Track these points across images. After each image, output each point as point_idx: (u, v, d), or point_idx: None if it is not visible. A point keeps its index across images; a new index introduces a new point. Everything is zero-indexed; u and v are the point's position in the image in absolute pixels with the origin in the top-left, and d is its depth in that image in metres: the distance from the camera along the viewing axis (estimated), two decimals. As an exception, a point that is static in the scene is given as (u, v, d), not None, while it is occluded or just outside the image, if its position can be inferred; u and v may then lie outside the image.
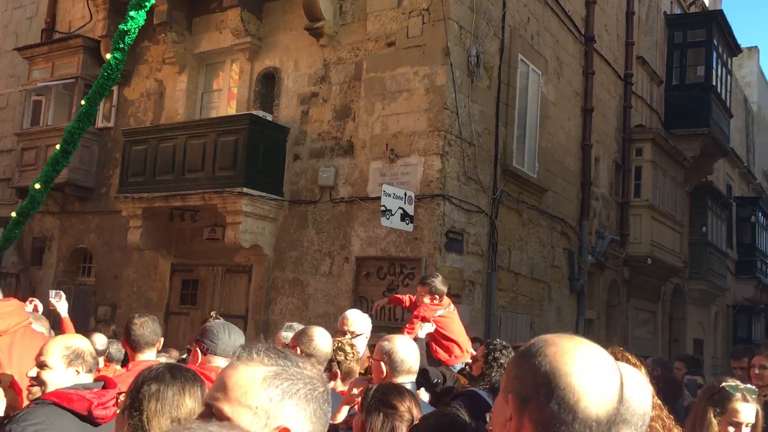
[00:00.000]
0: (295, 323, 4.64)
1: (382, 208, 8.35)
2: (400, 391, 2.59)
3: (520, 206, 10.75)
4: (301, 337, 3.62)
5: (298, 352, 3.54)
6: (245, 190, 9.50)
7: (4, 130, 13.63)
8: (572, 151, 12.73)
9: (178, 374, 1.98)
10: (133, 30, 8.64)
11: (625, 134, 14.84)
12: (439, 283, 5.62)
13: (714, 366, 19.39)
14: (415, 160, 9.10)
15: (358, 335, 4.67)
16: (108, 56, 8.75)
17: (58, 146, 9.48)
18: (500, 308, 10.20)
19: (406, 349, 3.35)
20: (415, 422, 2.43)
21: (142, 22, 8.75)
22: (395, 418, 2.47)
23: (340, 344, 3.87)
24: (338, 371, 3.77)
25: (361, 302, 9.12)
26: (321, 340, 3.59)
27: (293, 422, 1.29)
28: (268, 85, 10.74)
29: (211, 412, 1.30)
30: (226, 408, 1.28)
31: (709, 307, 20.25)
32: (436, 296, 5.58)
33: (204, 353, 3.15)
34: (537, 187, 11.20)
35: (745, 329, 23.04)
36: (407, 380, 3.21)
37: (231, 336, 3.20)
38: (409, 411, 2.49)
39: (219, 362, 3.06)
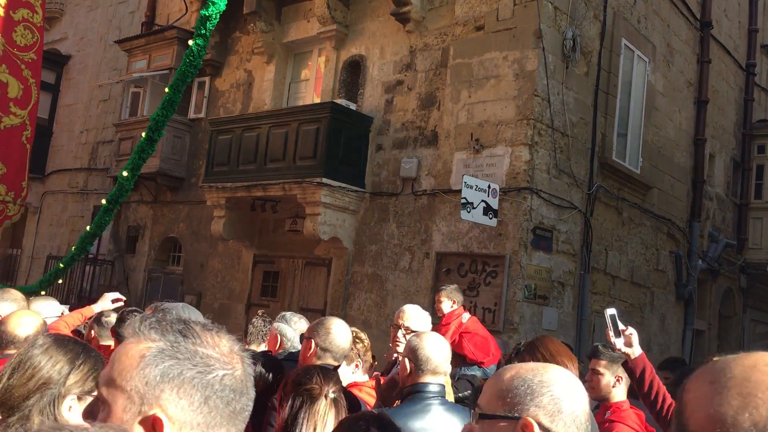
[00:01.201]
0: (288, 313, 4.26)
1: (463, 201, 7.82)
2: (312, 371, 2.54)
3: (619, 204, 9.90)
4: (317, 329, 3.25)
5: (313, 345, 3.15)
6: (325, 180, 9.22)
7: (107, 121, 14.05)
8: (683, 146, 11.67)
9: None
10: (214, 16, 8.56)
11: (745, 129, 13.51)
12: (455, 289, 6.01)
13: None
14: (501, 150, 8.50)
15: (413, 331, 4.23)
16: (190, 43, 8.71)
17: (143, 134, 9.59)
18: (594, 313, 9.41)
19: (433, 348, 2.99)
20: (330, 397, 2.46)
21: (223, 8, 8.66)
22: (305, 395, 2.45)
23: (356, 333, 3.59)
24: (359, 362, 3.43)
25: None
26: (339, 333, 3.23)
27: (172, 410, 1.10)
28: (353, 73, 10.43)
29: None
30: (104, 390, 1.15)
31: (841, 324, 18.27)
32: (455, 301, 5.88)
33: None
34: (640, 184, 10.29)
35: None
36: (433, 381, 2.87)
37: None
38: (320, 387, 2.46)
39: None
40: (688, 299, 11.53)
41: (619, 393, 3.47)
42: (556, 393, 1.37)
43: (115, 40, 13.62)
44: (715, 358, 0.98)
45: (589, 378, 3.58)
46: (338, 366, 3.21)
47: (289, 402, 2.53)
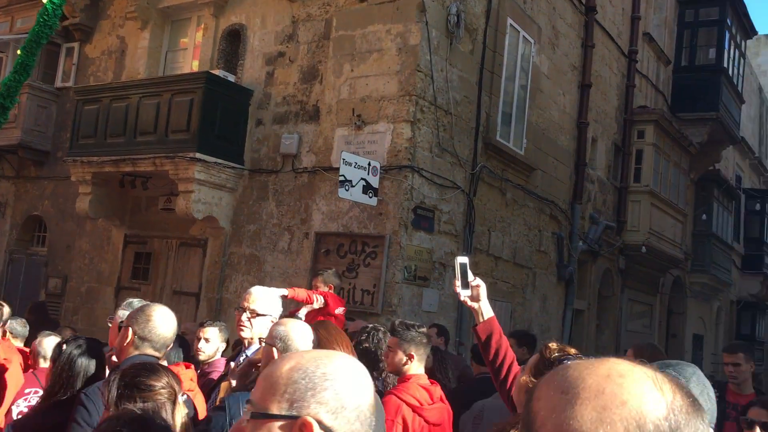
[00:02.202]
0: (135, 300, 3.84)
1: (341, 178, 7.51)
2: (151, 368, 2.23)
3: (503, 184, 9.87)
4: (136, 316, 2.91)
5: (130, 334, 2.82)
6: (198, 155, 8.67)
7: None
8: (566, 129, 11.81)
9: None
10: (72, -28, 7.79)
11: (626, 115, 13.87)
12: (332, 274, 6.16)
13: (714, 364, 18.48)
14: (383, 127, 8.23)
15: (259, 315, 3.87)
16: (45, 0, 7.93)
17: (-7, 101, 8.71)
18: (476, 294, 9.34)
19: (300, 336, 2.92)
20: (180, 395, 2.17)
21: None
22: (155, 399, 2.11)
23: None
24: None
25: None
26: (161, 321, 2.90)
27: None
28: (233, 43, 9.88)
29: None
30: None
31: (711, 302, 19.33)
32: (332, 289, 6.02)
33: None
34: (524, 165, 10.30)
35: (748, 326, 22.08)
36: None
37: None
38: (170, 386, 2.15)
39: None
40: (568, 280, 11.73)
41: (413, 368, 3.64)
42: (340, 386, 1.22)
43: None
44: (567, 363, 0.92)
45: (384, 354, 3.86)
46: (159, 357, 2.87)
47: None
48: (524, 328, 10.59)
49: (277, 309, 3.99)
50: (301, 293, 5.89)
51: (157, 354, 2.84)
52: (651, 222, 13.74)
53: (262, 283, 8.65)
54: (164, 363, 3.21)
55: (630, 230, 13.71)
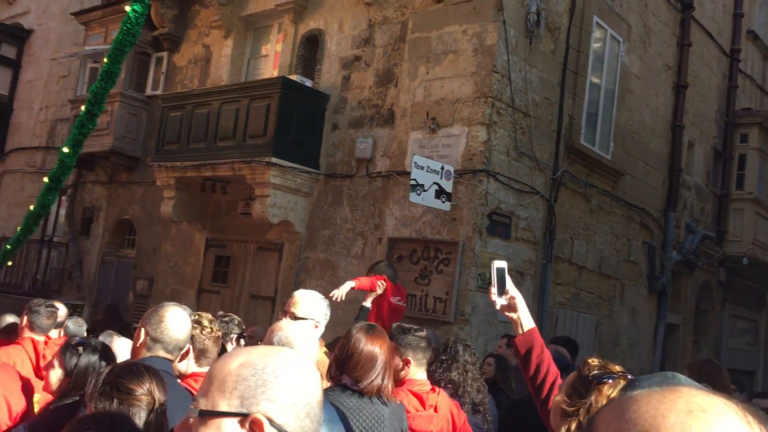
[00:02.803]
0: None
1: (413, 182, 7.32)
2: (136, 371, 2.15)
3: (587, 190, 9.41)
4: (150, 317, 2.81)
5: (143, 335, 2.74)
6: (274, 160, 8.71)
7: (66, 98, 13.50)
8: (659, 132, 11.17)
9: None
10: (154, -19, 7.99)
11: (728, 117, 13.02)
12: (386, 267, 6.25)
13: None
14: (457, 130, 8.00)
15: (301, 319, 3.75)
16: (127, 9, 8.17)
17: (83, 107, 9.05)
18: (557, 305, 8.95)
19: (304, 339, 2.67)
20: (159, 405, 2.09)
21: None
22: (132, 404, 2.05)
23: (198, 317, 3.19)
24: (190, 348, 2.99)
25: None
26: (174, 322, 2.79)
27: None
28: (311, 49, 9.90)
29: None
30: None
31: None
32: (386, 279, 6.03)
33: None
34: (611, 170, 9.80)
35: None
36: None
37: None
38: (150, 394, 2.08)
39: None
40: (661, 292, 11.07)
41: (410, 373, 3.47)
42: (290, 383, 1.20)
43: (72, 12, 13.05)
44: (634, 393, 0.83)
45: None
46: (172, 360, 2.79)
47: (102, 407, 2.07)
48: (611, 342, 10.06)
49: (320, 313, 3.84)
50: (365, 282, 6.00)
51: (169, 356, 2.76)
52: (755, 232, 12.82)
53: (335, 289, 8.60)
54: (186, 365, 3.14)
55: (732, 241, 12.83)
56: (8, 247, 10.91)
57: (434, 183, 7.50)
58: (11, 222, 14.08)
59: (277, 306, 9.34)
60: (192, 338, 3.02)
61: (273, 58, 10.57)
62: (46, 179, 9.80)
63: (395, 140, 8.57)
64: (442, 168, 7.59)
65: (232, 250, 10.12)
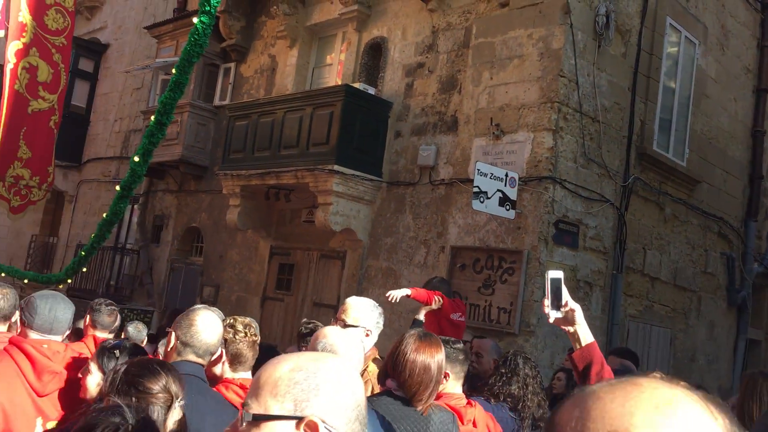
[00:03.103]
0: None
1: (476, 190, 7.16)
2: (153, 369, 2.13)
3: (661, 198, 9.03)
4: (180, 321, 2.78)
5: (173, 339, 2.72)
6: (337, 167, 8.69)
7: (139, 110, 13.90)
8: (738, 138, 10.64)
9: None
10: (219, -9, 8.12)
11: (814, 122, 12.30)
12: (439, 282, 6.11)
13: None
14: (522, 136, 7.79)
15: (351, 326, 3.66)
16: (195, 20, 8.31)
17: (153, 117, 9.25)
18: (629, 317, 8.59)
19: (349, 346, 2.62)
20: (178, 401, 2.08)
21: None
22: (149, 402, 2.03)
23: (233, 321, 3.13)
24: (223, 352, 2.98)
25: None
26: (204, 326, 2.74)
27: None
28: (374, 56, 9.87)
29: None
30: None
31: None
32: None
33: (23, 325, 3.14)
34: (686, 178, 9.38)
35: None
36: None
37: (51, 311, 3.09)
38: (166, 390, 2.07)
39: (33, 335, 3.04)
40: (741, 306, 10.51)
41: (448, 387, 3.33)
42: (341, 387, 1.23)
43: (145, 26, 13.44)
44: (593, 387, 0.82)
45: None
46: (203, 364, 2.75)
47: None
48: (687, 357, 9.61)
49: (371, 321, 3.75)
50: (422, 293, 5.80)
51: (200, 361, 2.71)
52: None
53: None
54: (220, 369, 3.08)
55: (818, 252, 12.08)
56: (83, 253, 11.28)
57: (498, 190, 7.31)
58: (87, 230, 14.56)
59: (339, 314, 9.31)
60: (225, 342, 2.98)
61: (337, 67, 10.59)
62: (118, 187, 10.08)
63: (458, 147, 8.43)
64: (506, 175, 7.40)
65: (295, 258, 10.15)
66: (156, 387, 2.04)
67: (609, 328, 8.23)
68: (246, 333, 3.07)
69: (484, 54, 8.34)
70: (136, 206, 13.26)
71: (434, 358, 2.87)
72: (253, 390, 1.25)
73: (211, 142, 11.98)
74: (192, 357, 2.69)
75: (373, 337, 3.92)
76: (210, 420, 2.51)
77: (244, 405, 1.25)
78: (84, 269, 12.29)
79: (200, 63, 12.01)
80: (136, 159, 9.55)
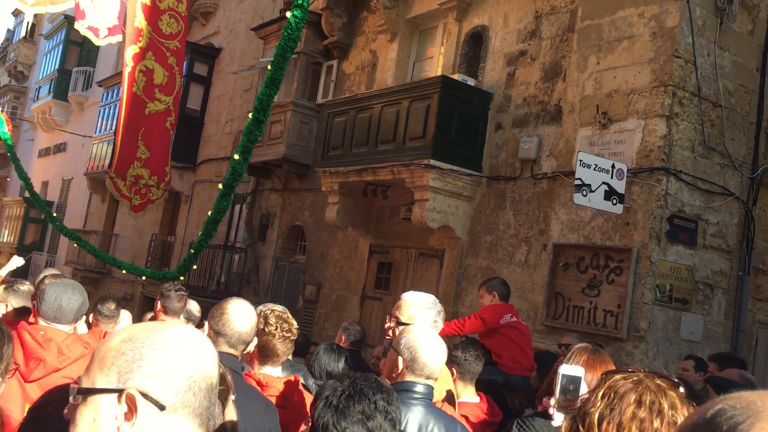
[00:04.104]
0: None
1: (577, 182, 6.61)
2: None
3: (796, 192, 8.05)
4: (214, 311, 2.68)
5: (206, 329, 2.64)
6: (433, 162, 8.36)
7: (248, 110, 14.15)
8: None
9: None
10: (313, -15, 7.98)
11: None
12: (499, 284, 5.64)
13: None
14: (632, 124, 7.15)
15: (401, 323, 3.34)
16: (288, 15, 8.24)
17: (250, 115, 9.29)
18: (758, 324, 7.72)
19: (432, 351, 2.71)
20: (231, 395, 1.91)
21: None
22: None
23: (268, 311, 2.99)
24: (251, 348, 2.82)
25: (555, 299, 7.47)
26: (236, 315, 2.65)
27: None
28: (475, 46, 9.46)
29: None
30: None
31: None
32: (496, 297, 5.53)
33: (34, 312, 3.14)
34: (827, 169, 8.32)
35: None
36: (422, 382, 2.68)
37: (56, 300, 3.04)
38: (224, 382, 1.84)
39: (41, 322, 3.02)
40: None
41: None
42: (169, 356, 1.17)
43: (251, 27, 13.67)
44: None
45: None
46: (236, 355, 2.63)
47: None
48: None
49: (427, 318, 3.39)
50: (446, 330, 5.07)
51: (232, 351, 2.59)
52: None
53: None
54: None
55: None
56: (192, 251, 11.57)
57: (603, 183, 6.72)
58: (201, 229, 15.01)
59: (437, 315, 8.97)
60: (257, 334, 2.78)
61: (438, 60, 10.26)
62: (220, 186, 10.23)
63: (562, 138, 7.88)
64: (613, 166, 6.79)
65: (394, 256, 9.90)
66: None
67: (734, 335, 7.41)
68: (277, 326, 2.84)
69: (591, 37, 7.74)
70: (243, 205, 13.49)
71: (594, 376, 2.51)
72: (88, 364, 1.20)
73: (313, 141, 11.96)
74: (225, 347, 2.59)
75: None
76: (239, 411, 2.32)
77: (74, 381, 1.20)
78: (195, 266, 12.66)
79: (303, 61, 12.07)
80: (237, 157, 9.62)
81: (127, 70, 12.40)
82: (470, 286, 8.66)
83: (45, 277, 4.35)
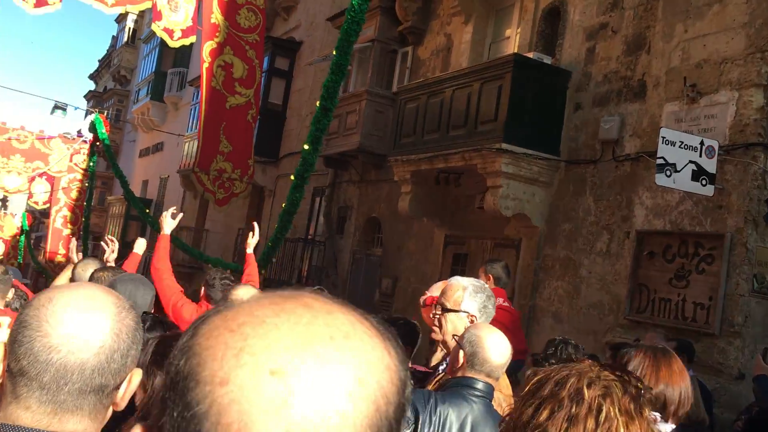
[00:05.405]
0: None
1: (660, 161, 6.00)
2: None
3: None
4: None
5: None
6: (505, 146, 7.88)
7: (326, 102, 14.01)
8: None
9: None
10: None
11: None
12: (500, 268, 5.37)
13: None
14: (724, 96, 6.43)
15: (451, 311, 3.00)
16: (350, -3, 7.97)
17: (317, 104, 9.09)
18: None
19: (495, 348, 2.64)
20: None
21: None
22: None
23: None
24: None
25: (640, 291, 6.85)
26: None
27: None
28: (552, 23, 8.88)
29: None
30: None
31: None
32: (491, 280, 5.13)
33: None
34: None
35: None
36: (484, 379, 2.63)
37: (131, 296, 3.00)
38: None
39: None
40: None
41: None
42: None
43: (327, 18, 13.51)
44: None
45: None
46: None
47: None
48: None
49: (474, 305, 3.02)
50: None
51: None
52: None
53: (577, 291, 7.51)
54: None
55: None
56: (269, 244, 11.54)
57: (690, 162, 6.07)
58: (282, 222, 15.04)
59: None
60: None
61: (514, 39, 9.73)
62: (292, 177, 10.11)
63: (646, 116, 7.21)
64: (702, 143, 6.12)
65: (469, 247, 9.47)
66: None
67: None
68: None
69: (678, 3, 7.04)
70: (322, 198, 13.38)
71: (680, 386, 2.21)
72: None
73: (389, 130, 11.65)
74: None
75: (481, 324, 3.23)
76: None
77: None
78: (273, 259, 12.66)
79: (378, 49, 11.80)
80: (306, 147, 9.48)
81: (204, 66, 12.52)
82: (548, 277, 8.12)
83: (94, 271, 4.13)
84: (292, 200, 10.29)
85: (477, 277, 4.37)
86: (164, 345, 2.12)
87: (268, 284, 13.25)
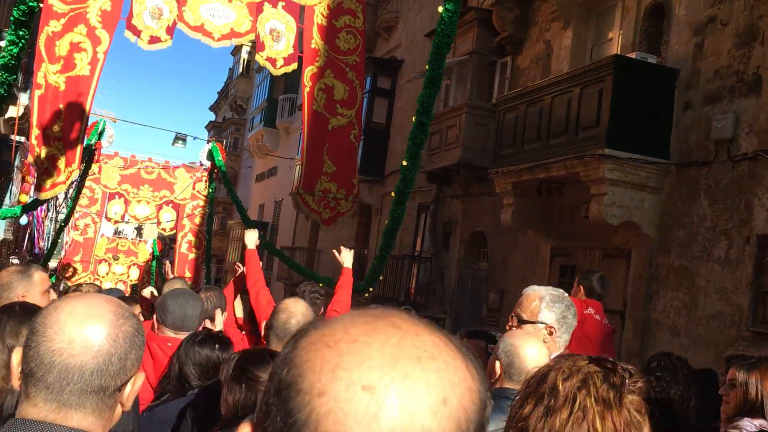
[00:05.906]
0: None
1: (778, 159, 5.52)
2: (263, 358, 2.28)
3: None
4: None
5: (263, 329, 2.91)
6: (608, 152, 7.53)
7: (428, 118, 13.99)
8: None
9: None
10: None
11: None
12: (594, 279, 5.11)
13: None
14: None
15: (528, 323, 2.87)
16: (440, 9, 7.90)
17: (413, 119, 9.05)
18: None
19: (532, 356, 2.50)
20: None
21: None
22: (257, 389, 2.15)
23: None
24: None
25: (764, 299, 6.32)
26: (284, 313, 2.91)
27: None
28: (656, 20, 8.45)
29: None
30: None
31: None
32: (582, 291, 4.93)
33: (158, 323, 3.26)
34: None
35: None
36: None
37: (181, 309, 3.22)
38: None
39: (168, 333, 3.19)
40: None
41: None
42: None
43: (425, 34, 13.51)
44: None
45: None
46: None
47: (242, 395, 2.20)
48: None
49: (552, 315, 2.85)
50: None
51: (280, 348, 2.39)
52: None
53: (694, 302, 7.04)
54: None
55: None
56: (375, 262, 11.60)
57: (814, 158, 5.55)
58: (390, 240, 15.09)
59: (626, 321, 8.05)
60: None
61: (617, 41, 9.33)
62: (392, 194, 10.13)
63: (763, 111, 6.69)
64: (827, 137, 5.58)
65: (576, 259, 9.10)
66: (264, 376, 2.09)
67: None
68: None
69: (792, -12, 6.51)
70: (427, 214, 13.33)
71: None
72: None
73: (491, 142, 11.46)
74: (275, 344, 2.77)
75: (561, 336, 3.02)
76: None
77: None
78: (380, 277, 12.70)
79: (476, 61, 11.68)
80: (404, 163, 9.47)
81: (306, 91, 12.80)
82: (662, 288, 7.65)
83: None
84: (394, 217, 10.28)
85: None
86: (245, 361, 2.24)
87: (376, 301, 13.32)
